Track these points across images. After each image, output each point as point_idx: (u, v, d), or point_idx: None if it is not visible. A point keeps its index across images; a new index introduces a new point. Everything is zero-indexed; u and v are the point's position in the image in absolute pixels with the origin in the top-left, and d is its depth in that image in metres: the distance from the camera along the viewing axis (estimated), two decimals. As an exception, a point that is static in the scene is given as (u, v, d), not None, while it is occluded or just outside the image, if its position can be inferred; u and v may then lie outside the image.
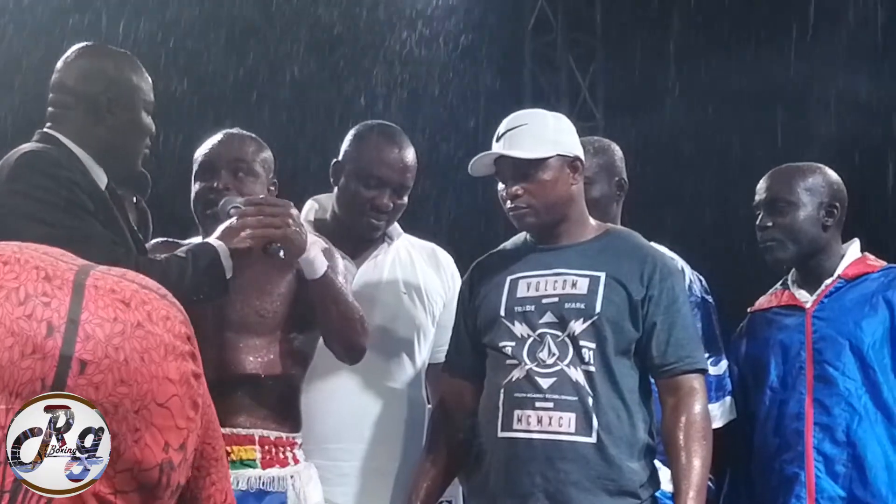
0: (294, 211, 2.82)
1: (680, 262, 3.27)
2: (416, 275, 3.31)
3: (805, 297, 3.24)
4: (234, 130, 3.16)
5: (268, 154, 3.13)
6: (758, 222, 3.26)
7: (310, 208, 3.36)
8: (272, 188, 3.13)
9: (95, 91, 2.81)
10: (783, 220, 3.22)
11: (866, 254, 3.28)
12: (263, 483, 2.93)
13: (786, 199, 3.22)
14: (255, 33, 8.07)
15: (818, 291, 3.22)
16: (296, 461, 2.99)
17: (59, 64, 2.87)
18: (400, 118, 7.66)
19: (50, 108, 2.85)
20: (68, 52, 2.88)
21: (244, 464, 2.93)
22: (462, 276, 3.25)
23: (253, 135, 3.16)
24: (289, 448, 2.99)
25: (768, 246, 3.24)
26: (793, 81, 7.64)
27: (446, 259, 3.40)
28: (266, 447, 2.95)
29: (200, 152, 3.12)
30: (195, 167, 3.12)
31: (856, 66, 7.59)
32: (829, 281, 3.22)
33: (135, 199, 3.57)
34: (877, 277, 3.21)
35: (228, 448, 2.91)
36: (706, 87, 7.86)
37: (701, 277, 3.34)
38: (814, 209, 3.23)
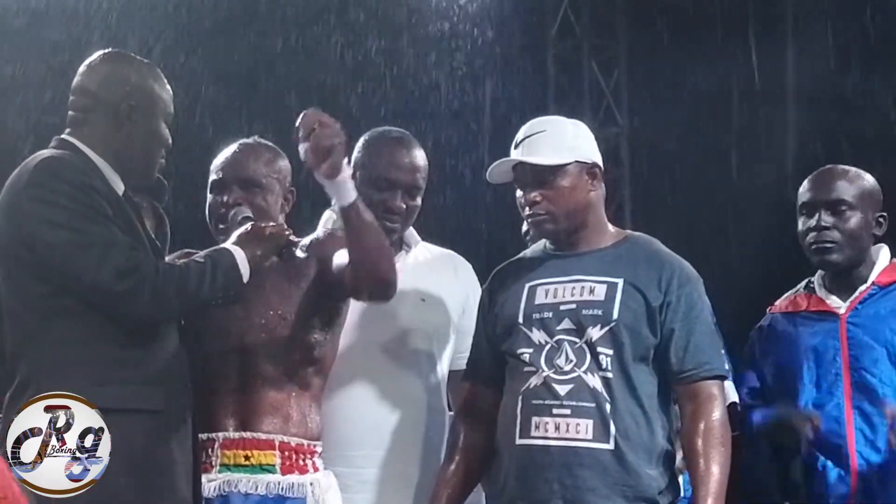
0: (336, 127, 2.79)
1: None
2: (433, 282, 3.30)
3: (837, 303, 3.21)
4: (249, 140, 3.16)
5: (283, 163, 3.13)
6: (813, 222, 3.19)
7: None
8: (289, 196, 3.14)
9: (117, 98, 2.82)
10: (844, 222, 3.16)
11: (895, 260, 3.26)
12: (283, 489, 2.93)
13: (848, 201, 3.18)
14: (269, 34, 8.08)
15: (852, 297, 3.20)
16: (315, 469, 3.00)
17: (82, 68, 2.89)
18: (420, 124, 7.68)
19: (70, 112, 2.87)
20: (92, 57, 2.89)
21: (263, 469, 2.94)
22: (481, 284, 3.25)
23: (268, 144, 3.16)
24: (309, 455, 2.99)
25: (825, 247, 3.18)
26: (820, 86, 7.58)
27: (464, 265, 3.40)
28: (286, 453, 2.96)
29: (214, 164, 3.13)
30: (209, 179, 3.13)
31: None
32: (863, 287, 3.19)
33: (153, 206, 3.59)
34: None
35: (248, 452, 2.94)
36: (731, 92, 7.83)
37: None
38: (869, 216, 3.21)
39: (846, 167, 3.27)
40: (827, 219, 3.17)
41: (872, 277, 3.20)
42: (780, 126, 7.75)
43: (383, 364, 3.15)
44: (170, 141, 2.91)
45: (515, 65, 8.58)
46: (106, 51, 2.92)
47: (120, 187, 2.82)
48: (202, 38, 7.66)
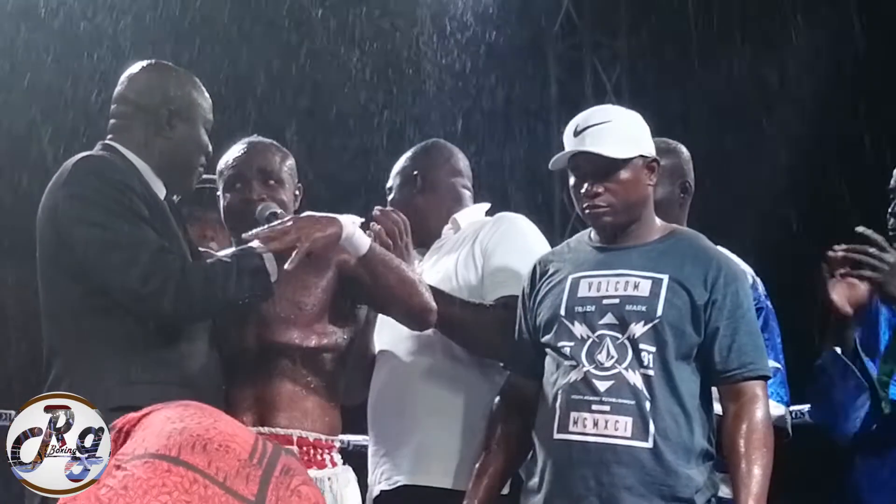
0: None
1: (747, 268, 3.20)
2: (451, 265, 3.28)
3: None
4: (257, 139, 3.15)
5: (292, 161, 3.14)
6: (892, 208, 3.18)
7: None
8: (297, 193, 3.14)
9: (157, 103, 2.87)
10: None
11: None
12: (299, 484, 2.90)
13: None
14: (276, 36, 8.07)
15: None
16: (333, 464, 2.98)
17: (122, 78, 2.94)
18: (424, 121, 7.67)
19: (111, 120, 2.92)
20: (131, 68, 2.95)
21: (281, 464, 2.91)
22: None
23: (275, 142, 3.16)
24: (327, 450, 2.97)
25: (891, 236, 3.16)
26: (821, 85, 7.58)
27: (490, 225, 3.34)
28: (304, 448, 2.94)
29: (226, 163, 3.11)
30: (222, 178, 3.11)
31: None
32: None
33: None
34: None
35: (266, 447, 2.91)
36: (733, 91, 7.84)
37: (759, 281, 3.25)
38: None
39: None
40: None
41: None
42: (781, 125, 7.75)
43: (418, 350, 3.20)
44: (210, 148, 2.93)
45: (517, 62, 8.57)
46: (145, 61, 2.96)
47: (161, 191, 2.85)
48: (205, 40, 7.64)
